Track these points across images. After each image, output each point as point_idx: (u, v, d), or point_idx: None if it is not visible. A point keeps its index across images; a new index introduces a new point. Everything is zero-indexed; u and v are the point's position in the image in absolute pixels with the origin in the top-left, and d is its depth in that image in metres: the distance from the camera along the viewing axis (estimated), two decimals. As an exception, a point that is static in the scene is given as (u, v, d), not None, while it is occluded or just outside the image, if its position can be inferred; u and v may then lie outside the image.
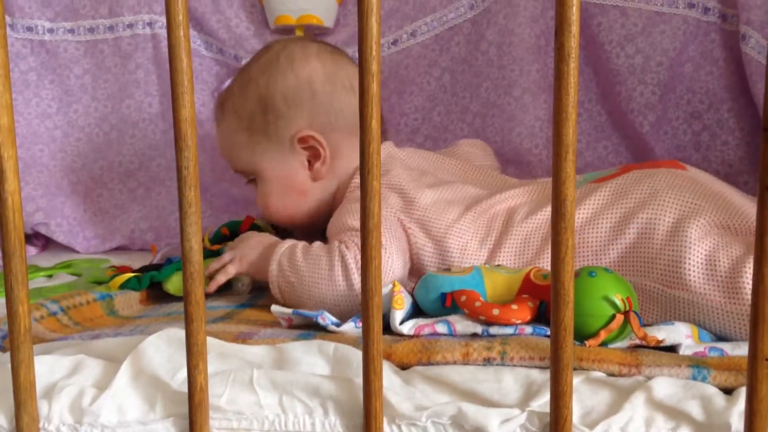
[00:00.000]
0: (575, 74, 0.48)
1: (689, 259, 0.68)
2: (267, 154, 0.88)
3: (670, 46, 1.09)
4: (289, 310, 0.67)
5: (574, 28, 0.48)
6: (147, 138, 1.16)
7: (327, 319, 0.65)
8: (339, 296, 0.73)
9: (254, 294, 0.83)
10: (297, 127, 0.86)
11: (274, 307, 0.68)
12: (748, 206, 0.74)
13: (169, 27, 0.49)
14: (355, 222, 0.77)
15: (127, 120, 1.15)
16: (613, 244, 0.73)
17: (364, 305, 0.51)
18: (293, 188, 0.88)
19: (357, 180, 0.85)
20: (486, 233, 0.78)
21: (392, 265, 0.75)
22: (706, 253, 0.68)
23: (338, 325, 0.65)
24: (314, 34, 1.16)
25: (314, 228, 0.91)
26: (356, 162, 0.85)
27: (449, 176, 0.87)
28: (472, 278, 0.67)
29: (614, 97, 1.11)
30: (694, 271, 0.68)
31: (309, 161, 0.87)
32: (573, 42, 0.48)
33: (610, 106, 1.13)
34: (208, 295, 0.79)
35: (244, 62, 1.16)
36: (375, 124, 0.50)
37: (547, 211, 0.78)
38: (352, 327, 0.64)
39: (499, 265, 0.70)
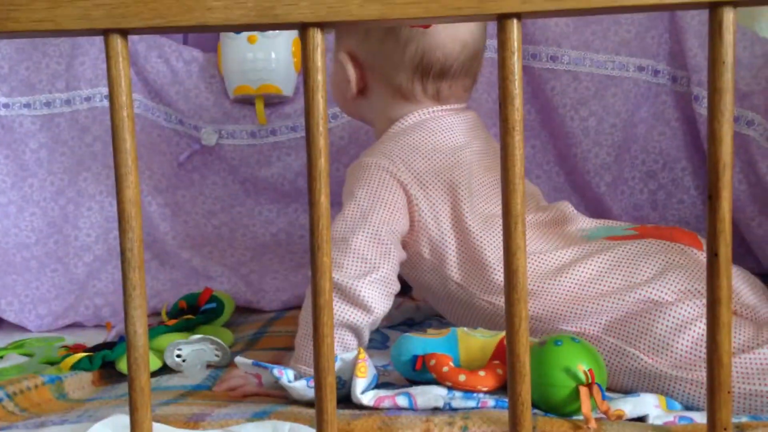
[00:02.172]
0: (521, 146, 0.48)
1: (683, 336, 0.69)
2: (336, 47, 0.90)
3: (623, 108, 1.12)
4: (250, 361, 0.66)
5: (517, 102, 0.48)
6: (104, 210, 1.14)
7: (284, 373, 0.64)
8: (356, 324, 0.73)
9: (211, 372, 0.80)
10: (352, 44, 0.87)
11: (238, 359, 0.68)
12: (755, 295, 0.74)
13: (113, 108, 0.48)
14: (356, 191, 0.78)
15: (84, 193, 1.14)
16: (609, 307, 0.73)
17: (317, 386, 0.50)
18: (344, 92, 0.90)
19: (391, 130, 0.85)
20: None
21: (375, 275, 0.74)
22: (701, 333, 0.68)
23: (291, 381, 0.64)
24: (273, 102, 1.17)
25: None
26: (382, 111, 0.87)
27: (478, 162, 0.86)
28: (447, 341, 0.67)
29: (571, 158, 1.13)
30: (685, 348, 0.68)
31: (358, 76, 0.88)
32: (517, 115, 0.48)
33: (568, 167, 1.14)
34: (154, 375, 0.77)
35: (203, 132, 1.16)
36: (324, 200, 0.50)
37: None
38: (304, 385, 0.63)
39: (478, 329, 0.70)
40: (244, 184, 1.17)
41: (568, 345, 0.61)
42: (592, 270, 0.75)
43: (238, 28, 0.49)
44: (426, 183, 0.81)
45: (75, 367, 0.78)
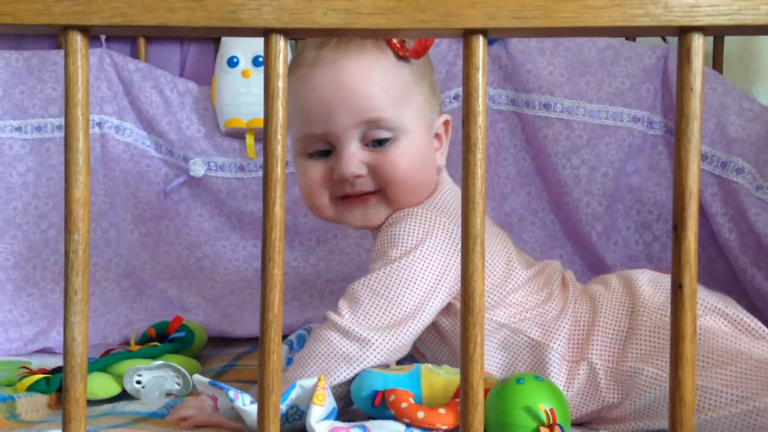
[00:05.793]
0: (482, 164, 0.47)
1: None
2: (422, 113, 0.77)
3: (616, 158, 1.11)
4: (206, 380, 0.64)
5: (480, 119, 0.47)
6: (87, 236, 1.13)
7: (240, 397, 0.61)
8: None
9: (169, 401, 0.77)
10: (441, 110, 0.83)
11: (196, 377, 0.65)
12: None
13: (67, 105, 0.47)
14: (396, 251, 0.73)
15: (68, 218, 1.12)
16: None
17: (259, 405, 0.48)
18: (430, 160, 0.79)
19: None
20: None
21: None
22: None
23: (246, 405, 0.61)
24: (258, 138, 1.16)
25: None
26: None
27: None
28: (409, 377, 0.65)
29: (564, 207, 1.12)
30: None
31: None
32: (479, 133, 0.47)
33: (562, 215, 1.13)
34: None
35: (191, 162, 1.15)
36: (279, 210, 0.48)
37: None
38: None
39: (443, 366, 0.67)
40: (230, 217, 1.16)
41: (530, 383, 0.58)
42: None
43: (199, 32, 0.48)
44: None
45: (31, 388, 0.76)
